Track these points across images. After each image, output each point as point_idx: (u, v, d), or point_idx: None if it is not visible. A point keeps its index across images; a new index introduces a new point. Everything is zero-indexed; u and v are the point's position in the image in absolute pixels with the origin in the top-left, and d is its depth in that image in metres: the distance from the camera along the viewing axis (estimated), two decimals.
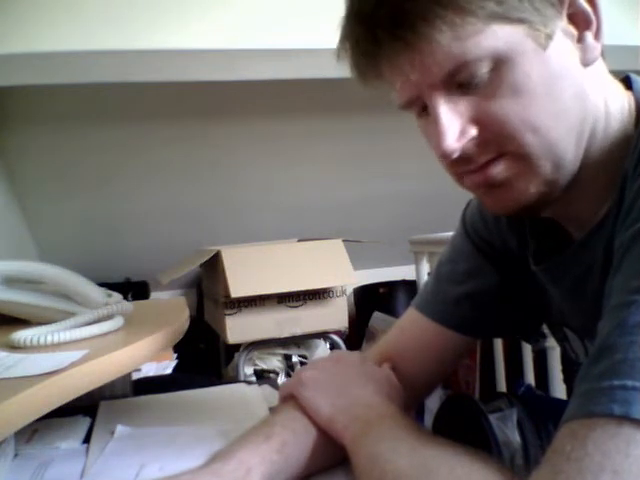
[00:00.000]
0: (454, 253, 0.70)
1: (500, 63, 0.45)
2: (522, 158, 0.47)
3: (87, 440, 0.68)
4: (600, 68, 0.50)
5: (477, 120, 0.47)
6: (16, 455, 0.64)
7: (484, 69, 0.45)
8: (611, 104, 0.50)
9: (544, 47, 0.45)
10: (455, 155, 0.48)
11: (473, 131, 0.47)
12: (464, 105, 0.47)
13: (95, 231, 2.61)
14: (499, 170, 0.48)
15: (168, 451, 0.62)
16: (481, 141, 0.48)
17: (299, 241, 2.24)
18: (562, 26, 0.47)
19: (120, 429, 0.68)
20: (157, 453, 0.61)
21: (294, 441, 0.53)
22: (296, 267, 1.99)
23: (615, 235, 0.46)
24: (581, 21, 0.47)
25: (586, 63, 0.48)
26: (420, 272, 2.14)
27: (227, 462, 0.49)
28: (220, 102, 2.13)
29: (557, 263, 0.55)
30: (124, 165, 2.34)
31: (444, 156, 0.48)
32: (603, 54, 0.49)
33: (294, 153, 2.48)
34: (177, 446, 0.63)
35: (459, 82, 0.46)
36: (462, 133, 0.47)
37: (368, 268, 2.86)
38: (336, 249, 2.06)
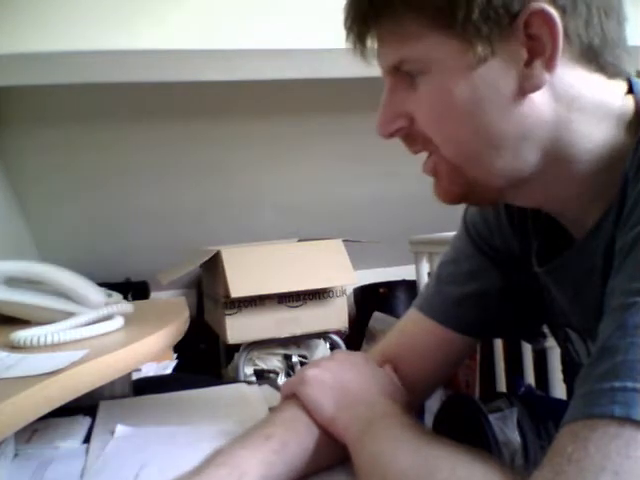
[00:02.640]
0: (455, 254, 0.70)
1: (429, 71, 0.48)
2: (445, 160, 0.51)
3: (87, 440, 0.68)
4: (577, 83, 0.47)
5: (410, 115, 0.51)
6: (16, 455, 0.64)
7: (414, 73, 0.48)
8: (588, 116, 0.48)
9: (473, 68, 0.46)
10: (385, 137, 0.52)
11: (401, 122, 0.51)
12: (400, 98, 0.51)
13: (95, 231, 2.61)
14: (429, 165, 0.53)
15: (168, 451, 0.62)
16: (408, 135, 0.52)
17: (299, 241, 2.24)
18: (508, 48, 0.45)
19: (120, 429, 0.68)
20: (157, 453, 0.61)
21: (295, 441, 0.53)
22: (296, 267, 2.00)
23: (616, 237, 0.45)
24: (534, 46, 0.45)
25: (524, 91, 0.46)
26: (420, 272, 2.14)
27: (221, 466, 0.48)
28: (220, 102, 2.13)
29: (559, 264, 0.55)
30: (124, 165, 2.34)
31: (378, 134, 0.53)
32: (605, 63, 0.48)
33: (294, 153, 2.48)
34: (177, 446, 0.63)
35: (406, 76, 0.50)
36: (391, 121, 0.52)
37: (368, 268, 2.85)
38: (336, 249, 2.06)
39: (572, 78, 0.47)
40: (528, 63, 0.46)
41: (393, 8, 0.47)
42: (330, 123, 2.36)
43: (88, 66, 1.65)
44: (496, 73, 0.46)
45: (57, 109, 2.05)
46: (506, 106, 0.47)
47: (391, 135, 0.52)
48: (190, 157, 2.38)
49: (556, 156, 0.49)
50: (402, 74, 0.50)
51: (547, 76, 0.46)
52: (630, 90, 0.51)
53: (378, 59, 0.52)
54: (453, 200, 0.54)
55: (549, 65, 0.45)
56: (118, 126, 2.19)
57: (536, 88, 0.46)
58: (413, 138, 0.52)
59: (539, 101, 0.47)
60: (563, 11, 0.44)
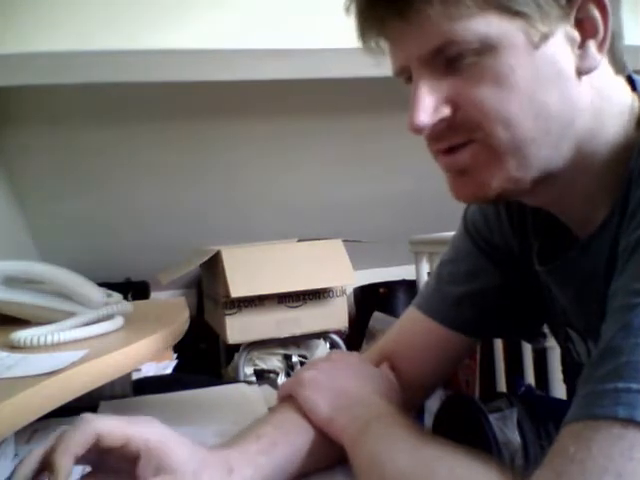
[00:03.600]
0: (455, 253, 0.70)
1: (487, 51, 0.44)
2: (488, 149, 0.47)
3: None
4: (603, 72, 0.49)
5: (453, 101, 0.47)
6: (16, 455, 0.64)
7: (469, 53, 0.45)
8: (607, 109, 0.48)
9: (536, 46, 0.45)
10: (425, 131, 0.48)
11: (446, 111, 0.47)
12: (445, 85, 0.47)
13: (95, 231, 2.61)
14: (465, 156, 0.48)
15: None
16: (452, 123, 0.48)
17: (299, 241, 2.24)
18: (565, 29, 0.45)
19: None
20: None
21: (284, 441, 0.53)
22: (296, 267, 1.99)
23: (620, 237, 0.45)
24: (587, 28, 0.46)
25: (581, 72, 0.46)
26: (420, 272, 2.14)
27: (214, 454, 0.49)
28: (220, 102, 2.13)
29: (562, 264, 0.55)
30: (124, 165, 2.34)
31: (413, 129, 0.48)
32: (616, 57, 0.49)
33: (294, 153, 2.48)
34: None
35: (444, 60, 0.46)
36: (435, 110, 0.47)
37: (368, 268, 2.85)
38: (336, 249, 2.06)
39: (602, 67, 0.48)
40: (581, 45, 0.46)
41: None
42: (330, 123, 2.36)
43: (89, 66, 1.65)
44: (557, 52, 0.45)
45: (58, 109, 2.05)
46: (566, 87, 0.46)
47: (433, 126, 0.48)
48: (190, 157, 2.38)
49: (583, 149, 0.48)
50: (440, 59, 0.46)
51: (599, 58, 0.46)
52: (633, 88, 0.51)
53: (405, 49, 0.48)
54: (485, 195, 0.50)
55: (601, 47, 0.46)
56: (118, 126, 2.19)
57: (591, 69, 0.46)
58: (457, 127, 0.48)
59: (585, 86, 0.47)
60: None
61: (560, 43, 0.46)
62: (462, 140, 0.48)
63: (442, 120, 0.47)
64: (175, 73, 1.76)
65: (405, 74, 0.50)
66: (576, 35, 0.46)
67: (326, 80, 1.85)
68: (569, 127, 0.47)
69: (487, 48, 0.44)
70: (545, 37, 0.45)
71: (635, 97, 0.51)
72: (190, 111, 2.18)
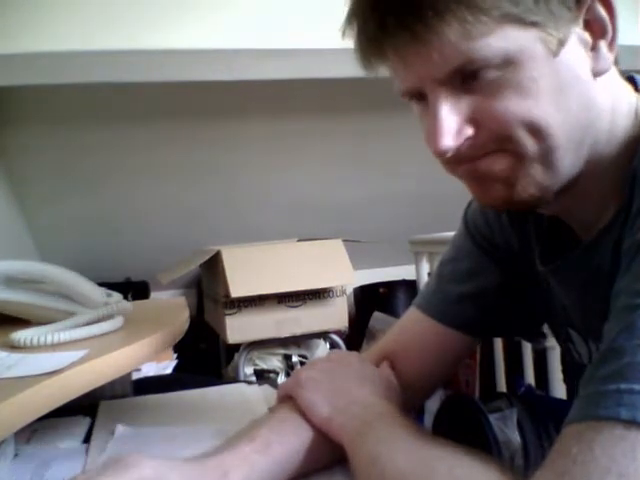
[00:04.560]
0: (456, 252, 0.70)
1: (508, 65, 0.43)
2: (517, 157, 0.46)
3: (87, 440, 0.68)
4: (611, 74, 0.49)
5: (475, 120, 0.46)
6: (16, 455, 0.64)
7: (491, 70, 0.44)
8: (618, 109, 0.49)
9: (555, 53, 0.44)
10: (449, 154, 0.47)
11: (470, 131, 0.46)
12: (465, 103, 0.46)
13: (95, 231, 2.61)
14: (493, 164, 0.47)
15: (168, 451, 0.62)
16: (477, 142, 0.47)
17: (299, 241, 2.24)
18: (577, 32, 0.45)
19: (120, 429, 0.68)
20: (157, 453, 0.61)
21: (280, 441, 0.52)
22: (296, 267, 1.99)
23: (624, 237, 0.45)
24: (597, 29, 0.46)
25: (597, 73, 0.46)
26: (420, 272, 2.14)
27: (208, 461, 0.49)
28: (220, 102, 2.13)
29: (564, 264, 0.55)
30: (124, 165, 2.34)
31: (438, 154, 0.47)
32: (617, 59, 0.49)
33: (294, 153, 2.48)
34: (177, 446, 0.63)
35: (463, 80, 0.45)
36: (459, 132, 0.46)
37: (368, 268, 2.85)
38: (336, 249, 2.06)
39: (613, 71, 0.48)
40: (594, 46, 0.46)
41: (457, 6, 0.42)
42: (330, 123, 2.36)
43: (89, 66, 1.65)
44: (574, 57, 0.45)
45: (58, 109, 2.05)
46: (585, 91, 0.46)
47: (458, 148, 0.46)
48: (190, 157, 2.38)
49: (598, 151, 0.48)
50: (457, 78, 0.45)
51: (611, 58, 0.46)
52: (635, 88, 0.51)
53: (424, 68, 0.45)
54: (513, 201, 0.49)
55: (611, 47, 0.46)
56: (118, 126, 2.19)
57: (605, 69, 0.46)
58: (482, 145, 0.47)
59: (601, 87, 0.47)
60: None
61: (575, 47, 0.45)
62: (483, 156, 0.47)
63: (466, 140, 0.46)
64: (175, 73, 1.75)
65: (414, 95, 0.49)
66: (587, 37, 0.46)
67: (326, 80, 1.85)
68: (589, 130, 0.47)
69: (508, 62, 0.43)
70: (561, 43, 0.44)
71: (638, 97, 0.51)
72: (190, 111, 2.18)
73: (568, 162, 0.47)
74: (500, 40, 0.43)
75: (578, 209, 0.53)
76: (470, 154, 0.47)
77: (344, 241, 2.09)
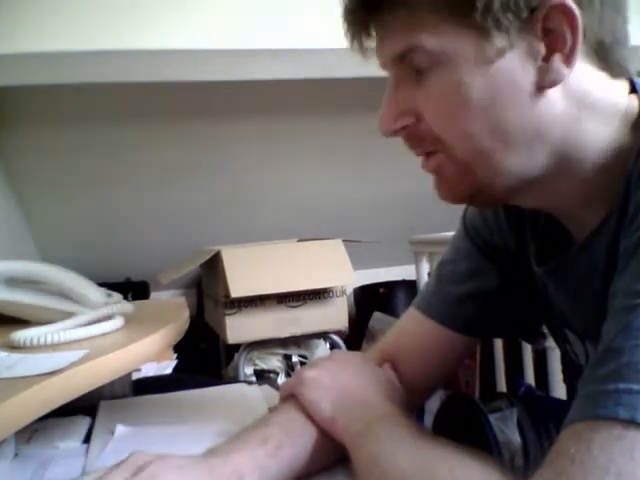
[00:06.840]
0: (455, 253, 0.70)
1: (441, 63, 0.45)
2: (452, 159, 0.49)
3: (87, 440, 0.68)
4: (585, 80, 0.47)
5: (416, 112, 0.49)
6: (16, 455, 0.64)
7: (424, 64, 0.46)
8: (596, 115, 0.48)
9: (490, 61, 0.44)
10: (388, 135, 0.50)
11: (407, 120, 0.49)
12: (409, 93, 0.48)
13: (95, 231, 2.61)
14: (433, 164, 0.51)
15: (168, 451, 0.61)
16: (415, 133, 0.50)
17: (299, 241, 2.24)
18: (529, 42, 0.44)
19: (120, 429, 0.68)
20: (157, 453, 0.61)
21: (290, 443, 0.53)
22: (296, 267, 1.99)
23: (620, 238, 0.45)
24: (553, 41, 0.44)
25: (544, 86, 0.45)
26: (420, 272, 2.14)
27: (224, 464, 0.49)
28: (220, 102, 2.13)
29: (559, 264, 0.55)
30: (124, 165, 2.34)
31: (381, 132, 0.50)
32: (610, 61, 0.48)
33: (294, 153, 2.48)
34: (177, 446, 0.63)
35: (413, 69, 0.47)
36: (396, 118, 0.49)
37: (368, 268, 2.85)
38: (336, 249, 2.06)
39: (582, 75, 0.47)
40: (546, 58, 0.45)
41: None
42: (331, 123, 2.36)
43: (88, 66, 1.65)
44: (514, 67, 0.45)
45: (57, 109, 2.05)
46: (523, 102, 0.46)
47: (395, 133, 0.50)
48: (190, 157, 2.38)
49: (565, 156, 0.48)
50: (407, 68, 0.48)
51: (566, 71, 0.45)
52: (633, 90, 0.51)
53: (381, 49, 0.49)
54: (458, 200, 0.53)
55: (568, 60, 0.45)
56: (118, 126, 2.19)
57: (555, 83, 0.45)
58: (419, 137, 0.50)
59: (553, 98, 0.46)
60: (579, 6, 0.44)
61: (520, 57, 0.45)
62: (424, 150, 0.51)
63: (403, 128, 0.50)
64: (175, 73, 1.76)
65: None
66: (541, 48, 0.45)
67: (327, 80, 1.85)
68: (537, 138, 0.47)
69: (441, 60, 0.45)
70: (502, 52, 0.44)
71: (634, 99, 0.50)
72: (190, 111, 2.18)
73: (513, 164, 0.48)
74: (437, 36, 0.45)
75: (567, 210, 0.53)
76: (412, 144, 0.51)
77: (344, 241, 2.09)
